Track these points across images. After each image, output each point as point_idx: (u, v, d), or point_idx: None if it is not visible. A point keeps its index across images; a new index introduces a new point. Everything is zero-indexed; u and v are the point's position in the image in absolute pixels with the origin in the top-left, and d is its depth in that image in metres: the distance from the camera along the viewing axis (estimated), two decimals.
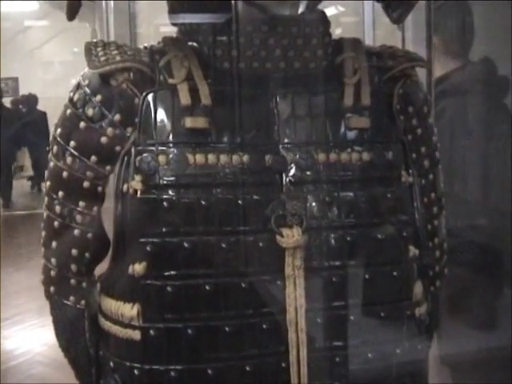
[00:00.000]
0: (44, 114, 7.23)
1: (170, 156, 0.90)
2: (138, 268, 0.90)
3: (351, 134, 0.96)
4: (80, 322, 1.01)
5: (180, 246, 0.89)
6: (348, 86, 0.97)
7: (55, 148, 0.98)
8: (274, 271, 0.91)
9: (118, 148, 0.93)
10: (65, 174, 0.96)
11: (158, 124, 0.91)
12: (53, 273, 1.01)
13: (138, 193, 0.90)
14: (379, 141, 0.98)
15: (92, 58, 0.93)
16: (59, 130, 0.98)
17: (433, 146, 1.07)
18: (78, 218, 0.96)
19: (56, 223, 0.98)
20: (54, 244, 0.99)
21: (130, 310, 0.92)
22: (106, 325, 0.97)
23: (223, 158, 0.91)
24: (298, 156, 0.93)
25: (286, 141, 0.94)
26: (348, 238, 0.94)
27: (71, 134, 0.96)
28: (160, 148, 0.90)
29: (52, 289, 1.02)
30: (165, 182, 0.90)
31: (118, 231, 0.93)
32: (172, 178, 0.90)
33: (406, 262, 0.98)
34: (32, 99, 7.62)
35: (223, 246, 0.89)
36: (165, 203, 0.89)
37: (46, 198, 1.00)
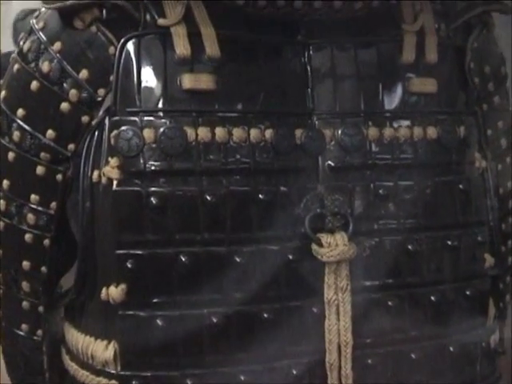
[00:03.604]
0: None
1: (161, 130, 0.63)
2: (115, 292, 0.63)
3: (413, 102, 0.71)
4: (37, 357, 0.75)
5: (175, 261, 0.62)
6: (408, 35, 0.70)
7: None
8: (309, 295, 0.66)
9: (85, 118, 0.66)
10: (11, 155, 0.69)
11: (144, 84, 0.64)
12: None
13: (114, 183, 0.63)
14: (448, 111, 0.72)
15: None
16: (3, 93, 0.71)
17: (511, 120, 0.80)
18: (30, 217, 0.69)
19: (1, 224, 0.71)
20: None
21: (103, 351, 0.65)
22: (71, 367, 0.70)
23: (237, 132, 0.64)
24: (340, 131, 0.67)
25: (323, 109, 0.67)
26: (409, 247, 0.69)
27: (19, 98, 0.69)
28: (146, 118, 0.63)
29: None
30: (152, 168, 0.63)
31: (86, 238, 0.65)
32: (163, 163, 0.62)
33: (481, 275, 0.74)
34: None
35: (237, 259, 0.63)
36: (153, 199, 0.62)
37: None
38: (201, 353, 0.63)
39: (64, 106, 0.65)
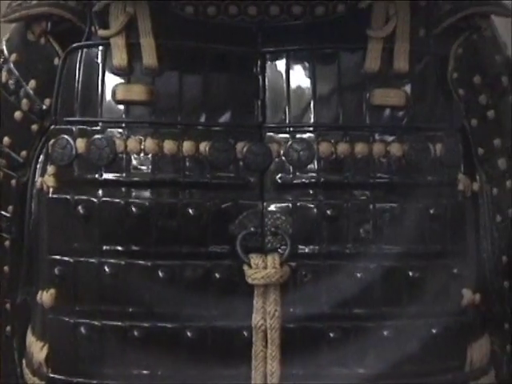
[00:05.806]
0: None
1: (92, 140, 0.63)
2: (45, 297, 0.64)
3: (375, 116, 0.64)
4: (9, 351, 0.78)
5: (99, 271, 0.62)
6: (374, 42, 0.64)
7: None
8: (239, 317, 0.62)
9: (34, 127, 0.68)
10: None
11: (82, 94, 0.65)
12: None
13: (50, 191, 0.64)
14: (422, 127, 0.64)
15: (7, 6, 0.68)
16: None
17: None
18: None
19: None
20: None
21: (39, 352, 0.67)
22: (23, 364, 0.72)
23: (168, 144, 0.62)
24: (288, 145, 0.62)
25: (273, 122, 0.63)
26: (358, 275, 0.62)
27: None
28: (80, 128, 0.64)
29: None
30: (82, 178, 0.63)
31: (31, 242, 0.68)
32: (92, 173, 0.63)
33: (454, 313, 0.65)
34: None
35: (160, 275, 0.61)
36: (80, 208, 0.62)
37: None
38: (123, 365, 0.62)
39: (17, 114, 0.68)
